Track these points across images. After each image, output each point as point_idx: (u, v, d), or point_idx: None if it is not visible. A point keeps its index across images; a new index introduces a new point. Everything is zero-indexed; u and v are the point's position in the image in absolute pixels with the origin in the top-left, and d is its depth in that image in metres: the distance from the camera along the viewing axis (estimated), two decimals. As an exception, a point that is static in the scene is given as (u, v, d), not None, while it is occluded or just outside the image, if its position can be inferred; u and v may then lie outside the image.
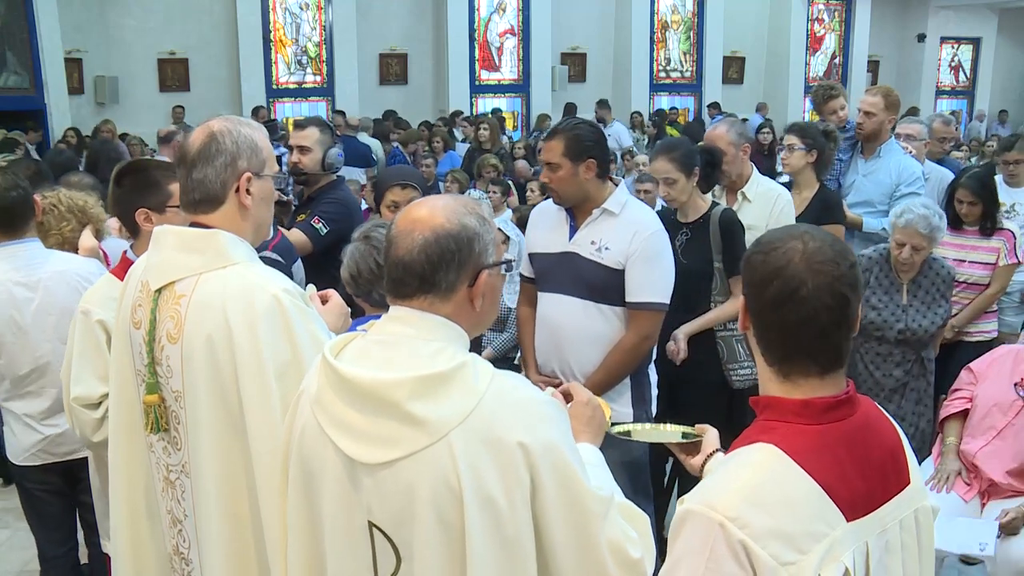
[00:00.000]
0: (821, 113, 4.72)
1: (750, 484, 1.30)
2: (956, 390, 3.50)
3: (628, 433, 1.94)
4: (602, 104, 12.88)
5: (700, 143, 3.90)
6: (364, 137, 10.27)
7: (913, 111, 11.31)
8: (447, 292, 1.45)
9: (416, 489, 1.38)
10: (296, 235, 3.57)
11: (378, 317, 1.53)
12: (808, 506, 1.30)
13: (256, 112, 11.63)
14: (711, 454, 1.78)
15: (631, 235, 2.87)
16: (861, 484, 1.36)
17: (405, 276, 1.45)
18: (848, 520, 1.33)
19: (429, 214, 1.46)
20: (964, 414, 3.42)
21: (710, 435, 1.82)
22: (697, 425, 1.85)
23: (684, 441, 1.83)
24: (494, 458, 1.37)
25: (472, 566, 1.36)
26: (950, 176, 4.97)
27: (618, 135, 11.68)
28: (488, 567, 1.37)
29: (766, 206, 3.71)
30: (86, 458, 2.82)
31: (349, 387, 1.43)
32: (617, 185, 2.99)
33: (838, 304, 1.34)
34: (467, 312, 1.48)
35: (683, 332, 3.30)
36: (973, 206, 4.12)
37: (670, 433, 1.86)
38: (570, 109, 13.06)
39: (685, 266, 3.24)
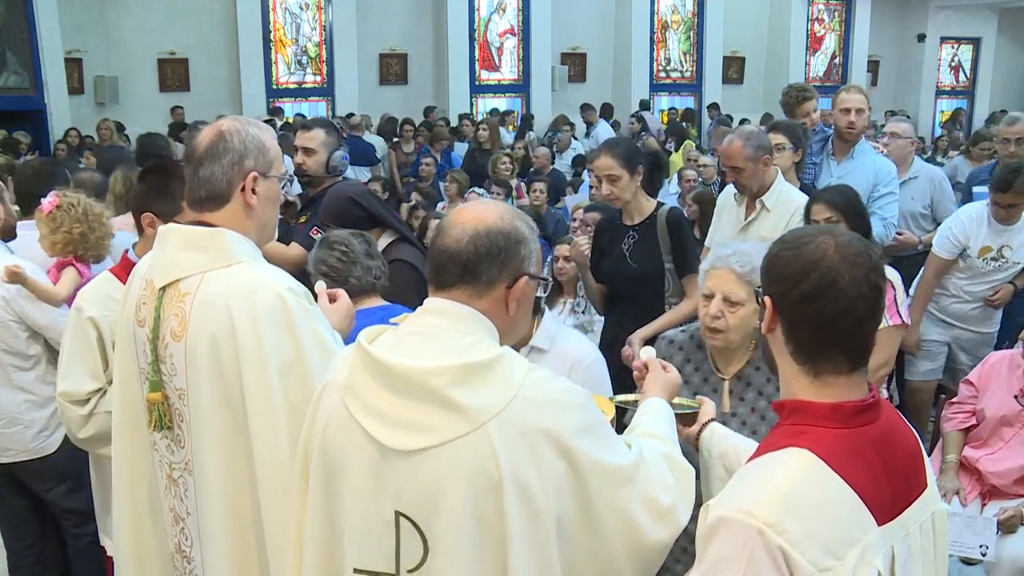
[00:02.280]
0: (793, 115, 4.65)
1: (786, 489, 1.29)
2: (956, 403, 3.43)
3: (635, 403, 1.98)
4: (586, 108, 12.79)
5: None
6: (368, 136, 10.27)
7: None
8: (486, 287, 1.48)
9: (450, 478, 1.39)
10: (296, 249, 3.56)
11: (408, 309, 1.55)
12: (843, 511, 1.30)
13: (277, 114, 11.64)
14: (706, 424, 1.87)
15: (567, 371, 2.59)
16: (888, 488, 1.36)
17: (449, 264, 1.48)
18: (879, 525, 1.33)
19: (482, 211, 1.51)
20: (967, 429, 3.36)
21: (707, 406, 1.92)
22: (697, 396, 1.95)
23: (683, 412, 1.91)
24: (530, 449, 1.40)
25: (511, 555, 1.38)
26: (941, 174, 4.82)
27: (598, 137, 11.60)
28: (527, 555, 1.39)
29: (783, 218, 3.58)
30: (30, 461, 2.86)
31: (388, 373, 1.44)
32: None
33: (873, 295, 1.37)
34: (501, 313, 1.51)
35: (638, 336, 3.20)
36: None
37: (672, 404, 1.93)
38: (587, 110, 12.94)
39: (635, 269, 3.20)
